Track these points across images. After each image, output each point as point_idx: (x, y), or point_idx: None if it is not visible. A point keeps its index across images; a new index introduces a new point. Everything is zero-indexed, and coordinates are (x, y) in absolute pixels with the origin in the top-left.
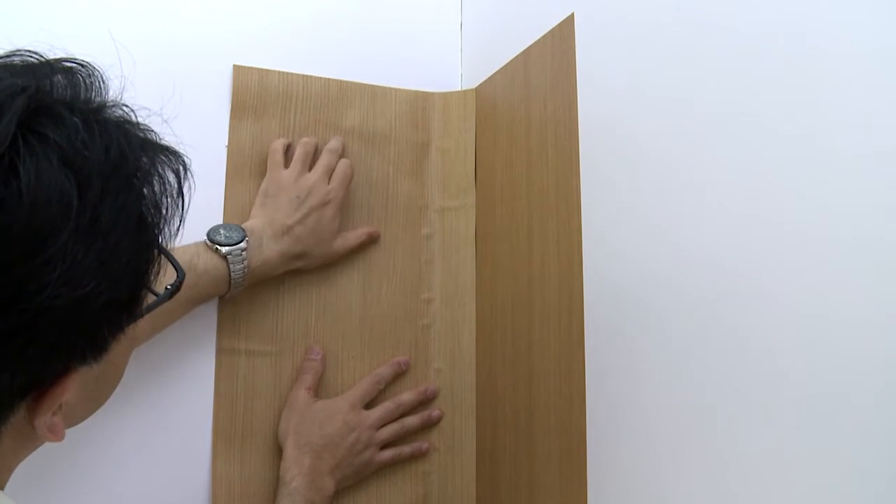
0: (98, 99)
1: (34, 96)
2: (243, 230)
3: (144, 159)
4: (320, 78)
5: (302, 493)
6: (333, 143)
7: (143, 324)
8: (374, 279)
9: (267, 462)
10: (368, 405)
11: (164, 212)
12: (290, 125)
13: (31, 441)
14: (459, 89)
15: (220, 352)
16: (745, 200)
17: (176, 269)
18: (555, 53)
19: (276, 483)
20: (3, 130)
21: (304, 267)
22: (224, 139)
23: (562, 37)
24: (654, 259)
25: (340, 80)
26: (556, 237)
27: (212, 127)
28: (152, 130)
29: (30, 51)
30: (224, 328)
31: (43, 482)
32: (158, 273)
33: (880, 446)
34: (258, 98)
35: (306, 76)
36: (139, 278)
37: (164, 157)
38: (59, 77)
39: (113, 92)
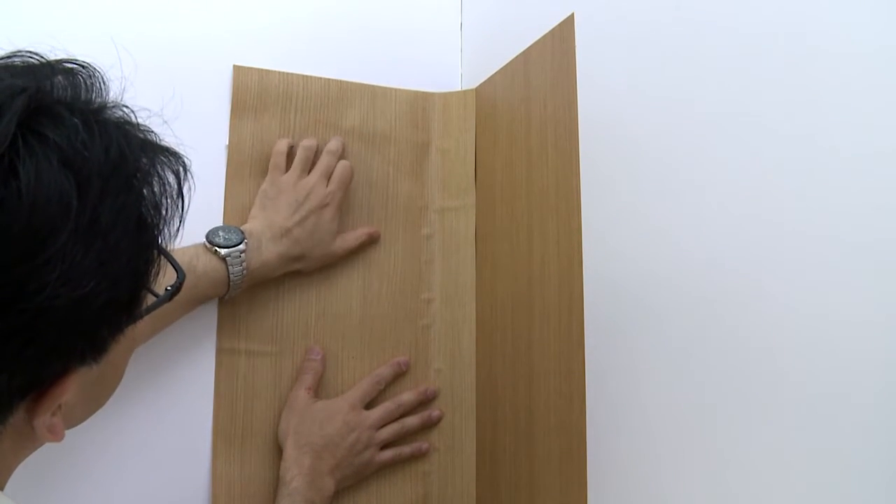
0: (98, 100)
1: (34, 97)
2: (242, 232)
3: (144, 160)
4: (320, 78)
5: (302, 493)
6: (332, 145)
7: (142, 324)
8: (374, 279)
9: (267, 462)
10: (368, 405)
11: (163, 213)
12: (290, 125)
13: (30, 441)
14: (459, 89)
15: (220, 352)
16: (745, 200)
17: (176, 270)
18: (555, 53)
19: (276, 483)
20: (3, 131)
21: (304, 269)
22: (224, 139)
23: (562, 37)
24: (654, 259)
25: (340, 81)
26: (556, 237)
27: (212, 127)
28: (152, 131)
29: (31, 52)
30: (224, 328)
31: (43, 482)
32: (158, 274)
33: (880, 446)
34: (258, 98)
35: (306, 76)
36: (139, 279)
37: (164, 158)
38: (60, 78)
39: (113, 93)
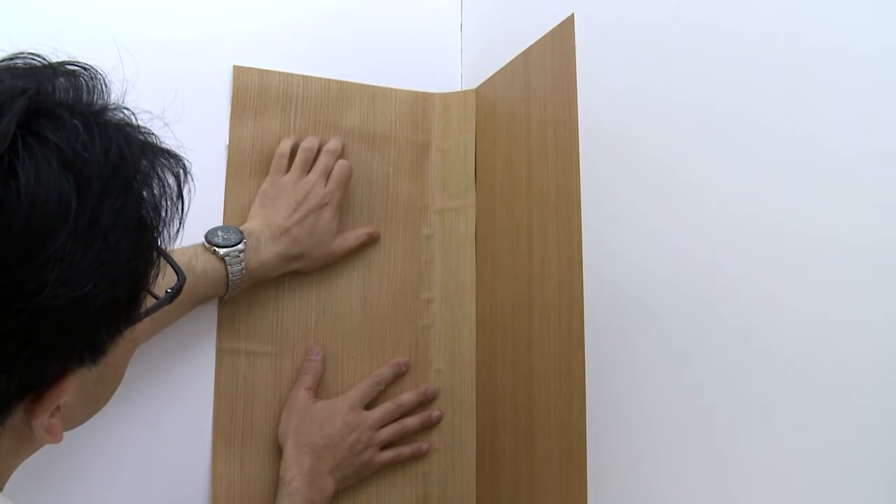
0: (100, 102)
1: (35, 98)
2: (241, 232)
3: (144, 162)
4: (320, 78)
5: (302, 493)
6: (332, 144)
7: (141, 325)
8: (374, 279)
9: (267, 462)
10: (368, 406)
11: (163, 214)
12: (290, 126)
13: (29, 443)
14: (459, 90)
15: (220, 352)
16: (745, 200)
17: (176, 272)
18: (555, 54)
19: (276, 483)
20: (3, 131)
21: (303, 268)
22: (224, 140)
23: (562, 37)
24: (655, 259)
25: (340, 81)
26: (556, 237)
27: (212, 128)
28: (153, 133)
29: (32, 54)
30: (224, 328)
31: (43, 482)
32: (157, 275)
33: (880, 446)
34: (258, 99)
35: (306, 77)
36: (138, 280)
37: (164, 160)
38: (62, 80)
39: (115, 95)
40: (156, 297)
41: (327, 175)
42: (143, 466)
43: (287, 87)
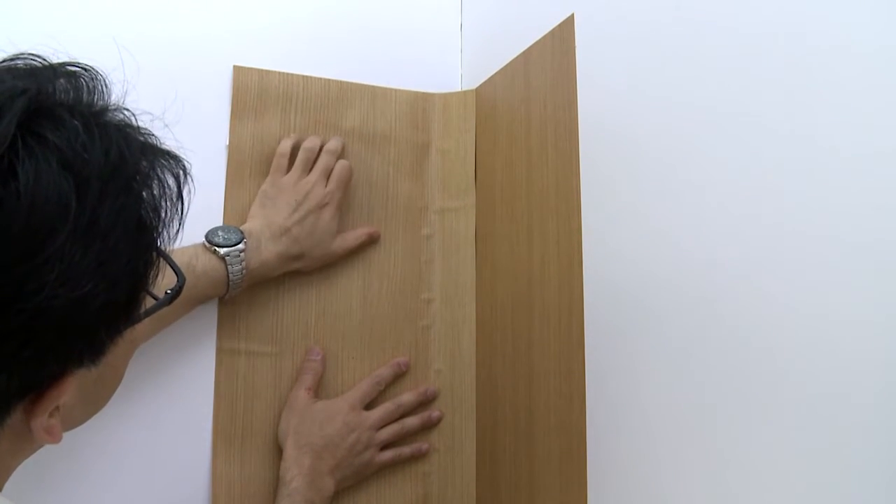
0: (100, 103)
1: (35, 98)
2: (241, 232)
3: (144, 163)
4: (320, 79)
5: (302, 493)
6: (332, 144)
7: (141, 326)
8: (374, 279)
9: (267, 462)
10: (368, 406)
11: (163, 215)
12: (290, 126)
13: (28, 443)
14: (459, 90)
15: (220, 352)
16: (745, 200)
17: (176, 273)
18: (555, 54)
19: (276, 483)
20: (3, 132)
21: (303, 268)
22: (224, 140)
23: (562, 37)
24: (655, 259)
25: (340, 81)
26: (556, 238)
27: (212, 128)
28: (153, 134)
29: (33, 55)
30: (224, 328)
31: (43, 482)
32: (157, 276)
33: (880, 446)
34: (258, 99)
35: (306, 77)
36: (137, 280)
37: (164, 160)
38: (62, 81)
39: (115, 96)
40: (155, 297)
41: (327, 175)
42: (143, 466)
43: (287, 87)
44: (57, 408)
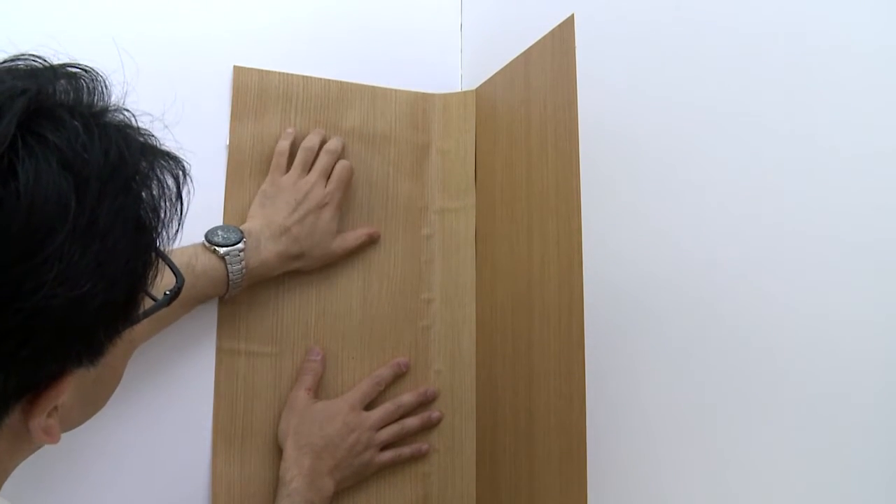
0: (100, 103)
1: (35, 98)
2: (241, 231)
3: (143, 163)
4: (320, 79)
5: (301, 493)
6: (331, 144)
7: (140, 326)
8: (374, 280)
9: (267, 462)
10: (368, 406)
11: (162, 215)
12: (290, 126)
13: (26, 444)
14: (459, 90)
15: (220, 352)
16: (745, 200)
17: (175, 274)
18: (555, 54)
19: (275, 483)
20: (3, 132)
21: (303, 268)
22: (224, 140)
23: (562, 38)
24: (655, 259)
25: (340, 81)
26: (556, 238)
27: (212, 128)
28: (153, 135)
29: (34, 55)
30: (224, 329)
31: (42, 482)
32: (156, 277)
33: (880, 446)
34: (258, 99)
35: (306, 77)
36: (136, 281)
37: (164, 161)
38: (63, 81)
39: (115, 97)
40: (154, 298)
41: (327, 175)
42: (143, 466)
43: (287, 87)
44: (55, 408)
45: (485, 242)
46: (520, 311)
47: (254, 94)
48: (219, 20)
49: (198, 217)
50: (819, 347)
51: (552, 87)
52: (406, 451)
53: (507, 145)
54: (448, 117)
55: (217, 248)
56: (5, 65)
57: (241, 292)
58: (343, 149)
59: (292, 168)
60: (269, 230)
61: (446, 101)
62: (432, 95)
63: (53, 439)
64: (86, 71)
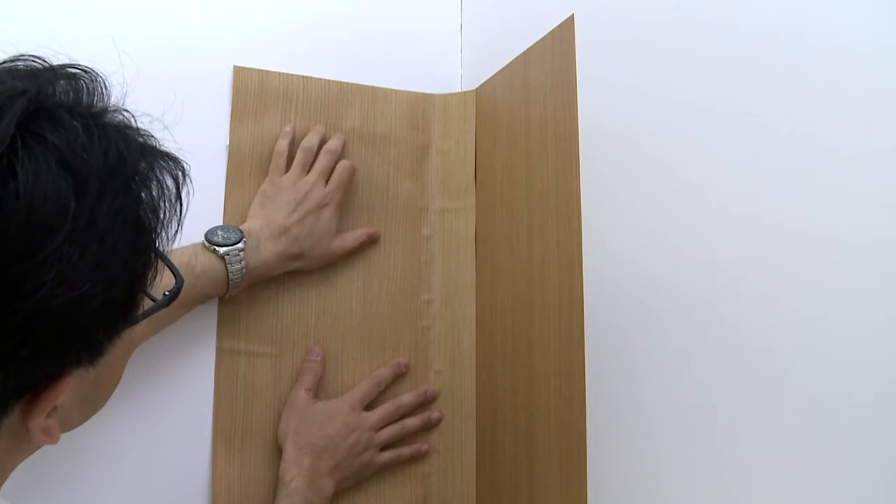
0: (100, 104)
1: (35, 99)
2: (241, 231)
3: (143, 164)
4: (320, 79)
5: (301, 493)
6: (331, 144)
7: (140, 326)
8: (374, 280)
9: (267, 462)
10: (368, 407)
11: (161, 216)
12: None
13: (25, 444)
14: (459, 90)
15: (220, 352)
16: (745, 200)
17: (175, 275)
18: (555, 54)
19: (275, 483)
20: (3, 132)
21: (303, 268)
22: (224, 140)
23: (562, 38)
24: (655, 260)
25: (340, 82)
26: (556, 238)
27: (212, 128)
28: (152, 136)
29: (34, 56)
30: (224, 329)
31: (42, 482)
32: (155, 277)
33: (880, 446)
34: (258, 99)
35: (306, 77)
36: (135, 281)
37: (163, 162)
38: (62, 82)
39: (115, 97)
40: (153, 299)
41: (327, 175)
42: (143, 466)
43: (287, 87)
44: (54, 408)
45: (485, 243)
46: (520, 312)
47: (254, 94)
48: (219, 20)
49: (198, 217)
50: (819, 347)
51: (552, 87)
52: (406, 451)
53: (507, 145)
54: (448, 117)
55: (217, 248)
56: (5, 65)
57: (241, 292)
58: (344, 148)
59: (292, 168)
60: (268, 230)
61: (446, 101)
62: (432, 96)
63: (53, 439)
64: (85, 71)
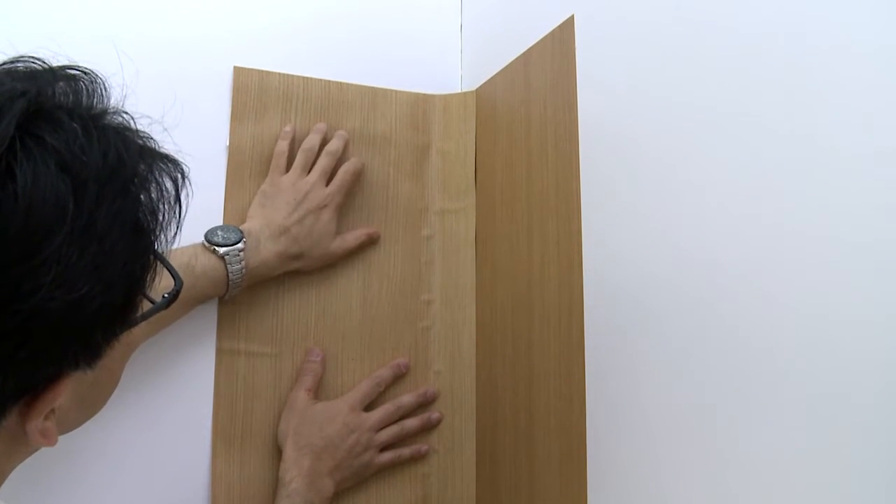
0: (99, 106)
1: (34, 100)
2: (241, 231)
3: (142, 166)
4: (320, 80)
5: (301, 494)
6: (332, 146)
7: (139, 327)
8: (374, 280)
9: (266, 463)
10: (368, 407)
11: (160, 218)
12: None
13: (24, 446)
14: (460, 91)
15: (219, 352)
16: (745, 200)
17: (174, 277)
18: (555, 55)
19: (275, 484)
20: (2, 133)
21: (302, 268)
22: (224, 141)
23: (562, 38)
24: (654, 260)
25: (341, 82)
26: (556, 239)
27: (212, 129)
28: (152, 138)
29: (33, 57)
30: (224, 329)
31: (42, 483)
32: (154, 279)
33: (880, 446)
34: (258, 100)
35: (307, 78)
36: (134, 284)
37: (163, 164)
38: (62, 83)
39: (115, 99)
40: (152, 301)
41: (327, 176)
42: (143, 466)
43: (287, 88)
44: (52, 410)
45: (485, 243)
46: (520, 312)
47: (254, 94)
48: (219, 20)
49: (198, 218)
50: (819, 347)
51: (552, 87)
52: (406, 451)
53: (507, 146)
54: (448, 118)
55: (217, 248)
56: (4, 67)
57: (241, 292)
58: (345, 148)
59: (292, 168)
60: (268, 230)
61: (446, 101)
62: (432, 96)
63: (51, 442)
64: (85, 73)
